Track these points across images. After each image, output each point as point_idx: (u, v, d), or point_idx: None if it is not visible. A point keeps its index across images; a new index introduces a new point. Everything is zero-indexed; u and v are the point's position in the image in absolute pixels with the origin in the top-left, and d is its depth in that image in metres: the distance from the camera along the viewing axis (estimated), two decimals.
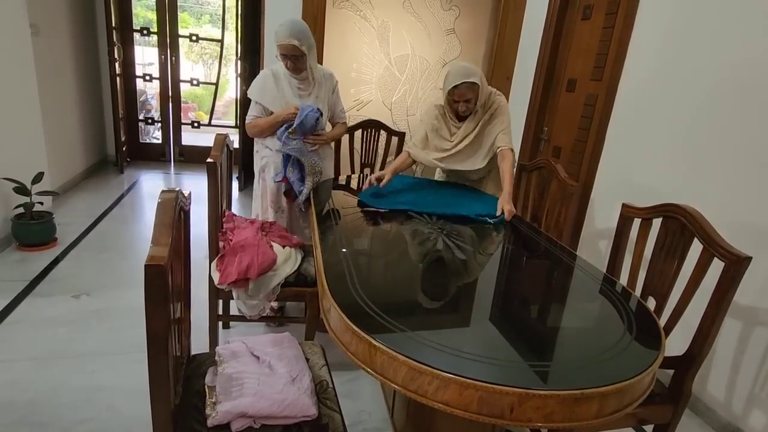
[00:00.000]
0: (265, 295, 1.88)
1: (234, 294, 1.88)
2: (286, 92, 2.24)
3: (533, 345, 1.12)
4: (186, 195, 1.19)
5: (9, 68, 2.88)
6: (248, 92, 2.27)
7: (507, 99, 2.59)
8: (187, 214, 1.22)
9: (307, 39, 2.11)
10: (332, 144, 2.57)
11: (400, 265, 1.57)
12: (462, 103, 2.13)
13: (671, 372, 1.44)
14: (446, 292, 1.40)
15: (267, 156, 2.33)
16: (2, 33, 2.82)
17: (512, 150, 2.19)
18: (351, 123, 3.00)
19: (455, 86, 2.06)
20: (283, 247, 1.98)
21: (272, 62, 2.88)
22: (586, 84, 2.83)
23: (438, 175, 2.58)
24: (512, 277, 1.60)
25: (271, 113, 2.25)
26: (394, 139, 3.02)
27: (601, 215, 2.67)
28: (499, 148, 2.18)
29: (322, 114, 2.22)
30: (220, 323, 2.17)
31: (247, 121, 2.30)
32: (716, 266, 1.33)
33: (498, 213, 1.99)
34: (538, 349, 1.10)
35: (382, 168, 3.15)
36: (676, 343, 1.50)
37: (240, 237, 1.89)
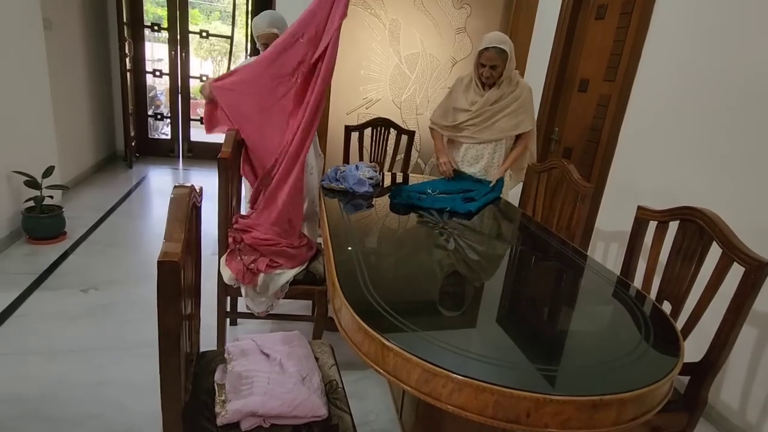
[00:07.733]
0: (273, 292, 1.87)
1: (242, 291, 1.87)
2: None
3: (548, 349, 1.10)
4: (198, 191, 1.18)
5: (22, 62, 2.89)
6: None
7: None
8: (198, 210, 1.21)
9: (285, 26, 2.19)
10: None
11: (411, 265, 1.56)
12: (488, 68, 2.26)
13: (686, 378, 1.41)
14: (458, 292, 1.38)
15: None
16: (16, 27, 2.83)
17: (533, 133, 2.43)
18: (360, 121, 2.98)
19: (486, 48, 2.22)
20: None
21: None
22: (598, 84, 2.80)
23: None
24: (525, 278, 1.58)
25: None
26: (404, 138, 3.00)
27: (613, 217, 2.64)
28: (527, 130, 2.40)
29: (370, 179, 2.24)
30: (228, 320, 2.16)
31: None
32: (735, 271, 1.30)
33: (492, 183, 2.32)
34: (553, 353, 1.08)
35: (391, 167, 3.12)
36: (691, 349, 1.47)
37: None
